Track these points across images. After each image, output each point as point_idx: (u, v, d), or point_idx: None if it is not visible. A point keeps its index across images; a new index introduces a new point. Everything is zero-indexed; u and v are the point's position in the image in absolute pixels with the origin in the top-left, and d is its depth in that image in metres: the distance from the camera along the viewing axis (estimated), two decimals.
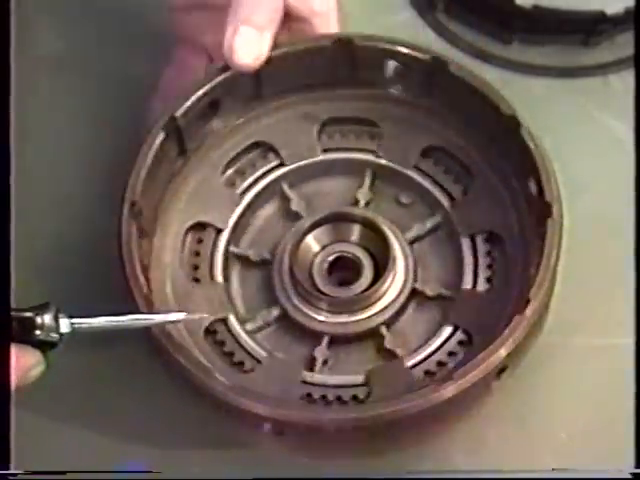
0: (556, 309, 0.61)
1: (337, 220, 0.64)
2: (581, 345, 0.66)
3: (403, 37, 0.64)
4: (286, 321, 0.64)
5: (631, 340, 0.60)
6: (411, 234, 0.65)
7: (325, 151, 0.68)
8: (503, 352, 0.54)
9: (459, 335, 0.62)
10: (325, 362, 0.62)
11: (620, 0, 0.72)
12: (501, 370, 0.56)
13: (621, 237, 0.64)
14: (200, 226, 0.66)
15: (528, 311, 0.55)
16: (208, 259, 0.65)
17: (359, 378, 0.61)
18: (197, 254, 0.65)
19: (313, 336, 0.63)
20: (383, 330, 0.63)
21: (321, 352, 0.62)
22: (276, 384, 0.60)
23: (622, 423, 0.60)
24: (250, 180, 0.67)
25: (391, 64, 0.65)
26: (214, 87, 0.63)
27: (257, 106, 0.67)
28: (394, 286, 0.63)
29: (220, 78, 0.63)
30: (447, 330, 0.62)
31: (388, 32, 0.65)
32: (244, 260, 0.66)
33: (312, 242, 0.64)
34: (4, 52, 0.49)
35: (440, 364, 0.61)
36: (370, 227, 0.64)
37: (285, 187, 0.67)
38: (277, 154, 0.68)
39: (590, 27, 0.74)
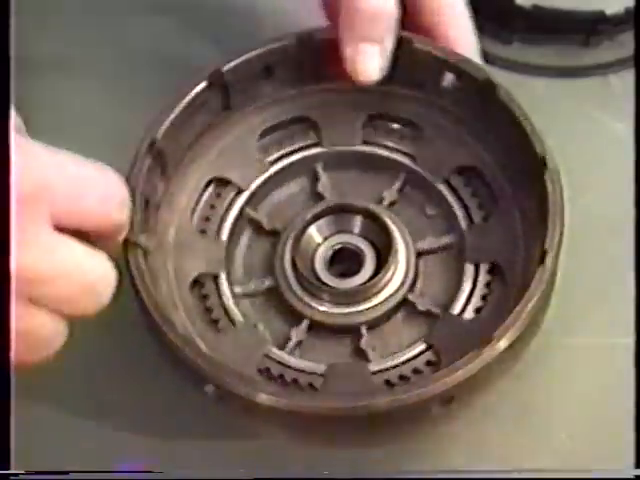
0: (556, 308, 0.61)
1: (340, 212, 0.64)
2: (581, 345, 0.66)
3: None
4: (274, 295, 0.64)
5: (631, 340, 0.60)
6: (422, 245, 0.65)
7: (365, 143, 0.68)
8: (531, 305, 0.56)
9: (429, 354, 0.61)
10: (299, 344, 0.63)
11: (620, 0, 0.71)
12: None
13: (621, 237, 0.64)
14: (222, 182, 0.67)
15: (548, 261, 0.56)
16: (220, 214, 0.66)
17: (321, 368, 0.61)
18: (212, 207, 0.66)
19: (295, 316, 0.63)
20: (363, 330, 0.63)
21: (297, 333, 0.62)
22: (240, 351, 0.61)
23: (622, 423, 0.59)
24: (283, 152, 0.68)
25: (449, 75, 0.65)
26: (268, 53, 0.64)
27: (310, 82, 0.67)
28: (389, 287, 0.63)
29: (275, 45, 0.64)
30: (420, 347, 0.61)
31: None
32: (255, 225, 0.67)
33: (314, 233, 0.64)
34: (4, 52, 0.50)
35: (402, 378, 0.61)
36: (373, 220, 0.64)
37: (318, 168, 0.68)
38: (318, 133, 0.68)
39: (590, 27, 0.73)
